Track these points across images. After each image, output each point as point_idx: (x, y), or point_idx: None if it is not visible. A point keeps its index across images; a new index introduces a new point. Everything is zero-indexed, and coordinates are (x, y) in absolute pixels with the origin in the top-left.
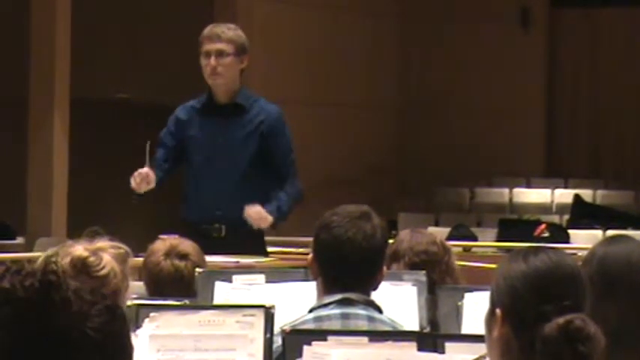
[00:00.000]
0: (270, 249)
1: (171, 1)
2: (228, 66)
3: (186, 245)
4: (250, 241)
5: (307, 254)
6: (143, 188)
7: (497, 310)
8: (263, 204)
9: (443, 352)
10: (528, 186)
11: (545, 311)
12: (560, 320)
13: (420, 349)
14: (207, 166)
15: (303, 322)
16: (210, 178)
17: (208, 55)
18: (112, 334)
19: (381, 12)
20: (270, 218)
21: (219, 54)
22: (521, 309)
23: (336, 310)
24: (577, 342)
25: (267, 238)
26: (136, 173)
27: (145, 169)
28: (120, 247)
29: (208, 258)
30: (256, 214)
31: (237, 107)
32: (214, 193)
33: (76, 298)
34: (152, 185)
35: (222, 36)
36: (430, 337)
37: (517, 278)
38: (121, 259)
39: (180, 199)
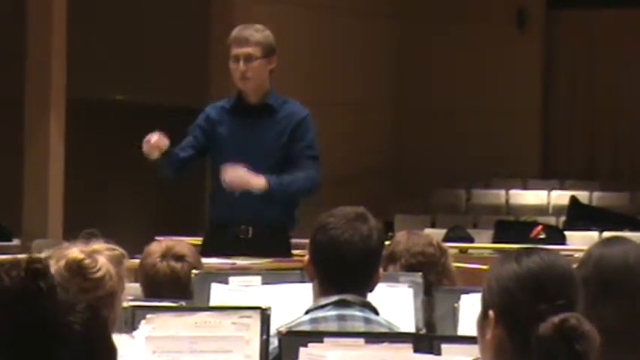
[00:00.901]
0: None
1: (170, 2)
2: (257, 69)
3: (183, 247)
4: (276, 243)
5: (304, 256)
6: (156, 153)
7: (490, 312)
8: (289, 205)
9: (439, 353)
10: (525, 187)
11: (540, 311)
12: (555, 319)
13: (417, 350)
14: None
15: (300, 324)
16: None
17: (237, 59)
18: (95, 330)
19: (380, 12)
20: (260, 182)
21: (248, 58)
22: (515, 309)
23: (332, 312)
24: (572, 340)
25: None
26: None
27: (156, 136)
28: (115, 249)
29: (205, 259)
30: (238, 178)
31: (266, 108)
32: (241, 194)
33: (61, 289)
34: (164, 147)
35: (250, 39)
36: (426, 339)
37: (510, 279)
38: (117, 261)
39: (176, 202)
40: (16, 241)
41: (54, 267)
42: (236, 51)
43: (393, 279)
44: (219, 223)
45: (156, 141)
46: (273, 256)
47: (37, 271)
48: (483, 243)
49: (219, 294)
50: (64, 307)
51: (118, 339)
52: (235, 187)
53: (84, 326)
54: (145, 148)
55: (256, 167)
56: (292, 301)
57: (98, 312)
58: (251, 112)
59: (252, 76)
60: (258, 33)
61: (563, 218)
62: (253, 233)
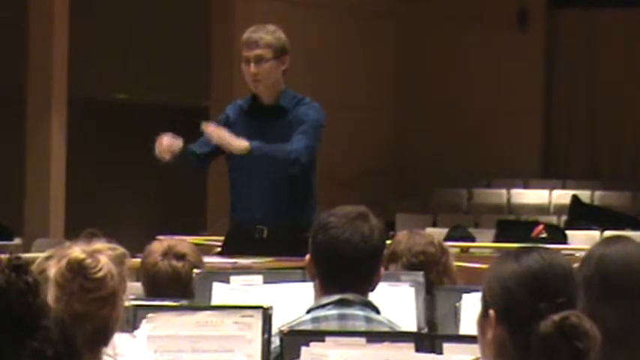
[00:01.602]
0: None
1: (171, 1)
2: (268, 71)
3: (184, 246)
4: (292, 243)
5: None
6: (167, 156)
7: (491, 311)
8: (304, 209)
9: (441, 352)
10: (526, 187)
11: (540, 309)
12: (556, 317)
13: (418, 349)
14: (249, 168)
15: (301, 323)
16: (253, 180)
17: (248, 61)
18: (70, 336)
19: (381, 13)
20: (242, 144)
21: (258, 60)
22: (516, 308)
23: (333, 311)
24: (573, 338)
25: None
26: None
27: (167, 138)
28: (117, 249)
29: (207, 259)
30: (219, 136)
31: (279, 109)
32: (256, 196)
33: (41, 289)
34: (175, 150)
35: (260, 42)
36: (428, 338)
37: (510, 278)
38: (118, 261)
39: (177, 201)
40: (17, 241)
41: (55, 267)
42: (246, 54)
43: (395, 278)
44: (237, 223)
45: (167, 144)
46: (289, 255)
47: (19, 267)
48: (485, 242)
49: (220, 293)
50: (46, 305)
51: (120, 338)
52: (215, 141)
53: (61, 332)
54: (157, 150)
55: (268, 169)
56: (294, 301)
57: (66, 324)
58: (264, 114)
59: (264, 78)
60: (268, 35)
61: (564, 218)
62: (268, 233)
